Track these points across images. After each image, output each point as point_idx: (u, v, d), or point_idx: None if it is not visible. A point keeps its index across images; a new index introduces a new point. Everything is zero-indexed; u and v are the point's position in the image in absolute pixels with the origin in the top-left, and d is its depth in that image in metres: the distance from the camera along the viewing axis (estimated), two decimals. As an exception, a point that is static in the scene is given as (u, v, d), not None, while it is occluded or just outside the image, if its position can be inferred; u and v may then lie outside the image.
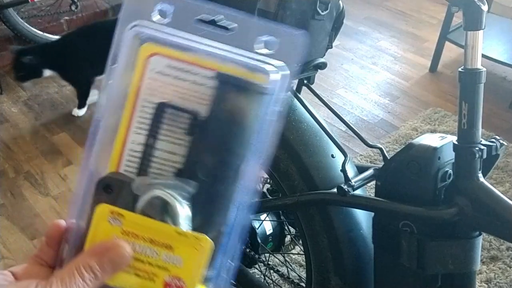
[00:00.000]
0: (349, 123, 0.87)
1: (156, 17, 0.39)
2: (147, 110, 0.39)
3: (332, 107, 0.88)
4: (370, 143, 0.85)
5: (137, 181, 0.38)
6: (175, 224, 0.38)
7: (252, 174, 0.40)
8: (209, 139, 0.39)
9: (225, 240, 0.41)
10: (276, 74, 0.38)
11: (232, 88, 0.38)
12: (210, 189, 0.39)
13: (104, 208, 0.38)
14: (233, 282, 1.18)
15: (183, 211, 0.38)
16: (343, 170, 0.79)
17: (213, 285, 0.41)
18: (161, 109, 0.39)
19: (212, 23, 0.39)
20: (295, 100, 0.89)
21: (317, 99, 0.90)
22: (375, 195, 0.79)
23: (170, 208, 0.38)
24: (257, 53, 0.39)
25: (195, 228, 0.39)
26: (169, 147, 0.40)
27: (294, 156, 0.87)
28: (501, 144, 0.73)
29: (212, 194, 0.40)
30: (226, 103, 0.38)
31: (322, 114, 0.90)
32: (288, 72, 0.39)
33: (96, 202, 0.38)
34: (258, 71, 0.38)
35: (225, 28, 0.39)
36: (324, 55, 0.87)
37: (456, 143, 0.71)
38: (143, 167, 0.40)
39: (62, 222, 0.41)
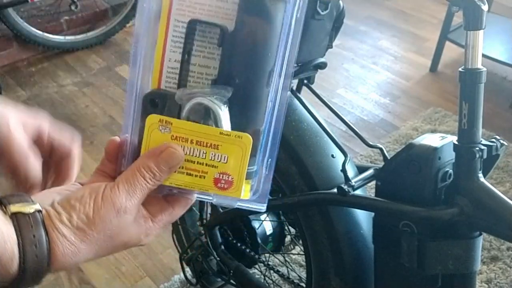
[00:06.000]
0: (349, 123, 0.87)
1: None
2: (179, 29, 0.43)
3: (332, 107, 0.88)
4: (371, 143, 0.85)
5: (179, 92, 0.43)
6: (218, 126, 0.42)
7: (283, 76, 0.44)
8: (239, 47, 0.42)
9: (264, 138, 0.45)
10: None
11: None
12: (245, 92, 0.43)
13: (154, 118, 0.42)
14: (233, 282, 1.18)
15: (223, 113, 0.42)
16: (343, 170, 0.79)
17: (255, 180, 0.46)
18: (192, 25, 0.42)
19: None
20: (295, 100, 0.89)
21: (317, 99, 0.90)
22: (375, 195, 0.79)
23: (211, 112, 0.42)
24: None
25: (235, 128, 0.43)
26: (203, 61, 0.44)
27: (294, 156, 0.87)
28: (502, 144, 0.73)
29: (247, 97, 0.43)
30: (251, 12, 0.42)
31: (322, 114, 0.90)
32: None
33: (145, 115, 0.43)
34: None
35: None
36: (324, 54, 0.87)
37: (456, 143, 0.71)
38: (182, 82, 0.44)
39: (117, 138, 0.45)
